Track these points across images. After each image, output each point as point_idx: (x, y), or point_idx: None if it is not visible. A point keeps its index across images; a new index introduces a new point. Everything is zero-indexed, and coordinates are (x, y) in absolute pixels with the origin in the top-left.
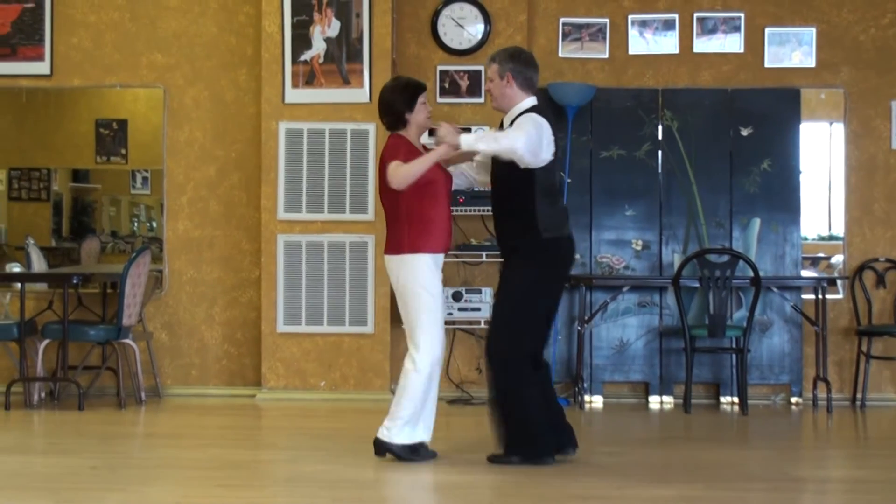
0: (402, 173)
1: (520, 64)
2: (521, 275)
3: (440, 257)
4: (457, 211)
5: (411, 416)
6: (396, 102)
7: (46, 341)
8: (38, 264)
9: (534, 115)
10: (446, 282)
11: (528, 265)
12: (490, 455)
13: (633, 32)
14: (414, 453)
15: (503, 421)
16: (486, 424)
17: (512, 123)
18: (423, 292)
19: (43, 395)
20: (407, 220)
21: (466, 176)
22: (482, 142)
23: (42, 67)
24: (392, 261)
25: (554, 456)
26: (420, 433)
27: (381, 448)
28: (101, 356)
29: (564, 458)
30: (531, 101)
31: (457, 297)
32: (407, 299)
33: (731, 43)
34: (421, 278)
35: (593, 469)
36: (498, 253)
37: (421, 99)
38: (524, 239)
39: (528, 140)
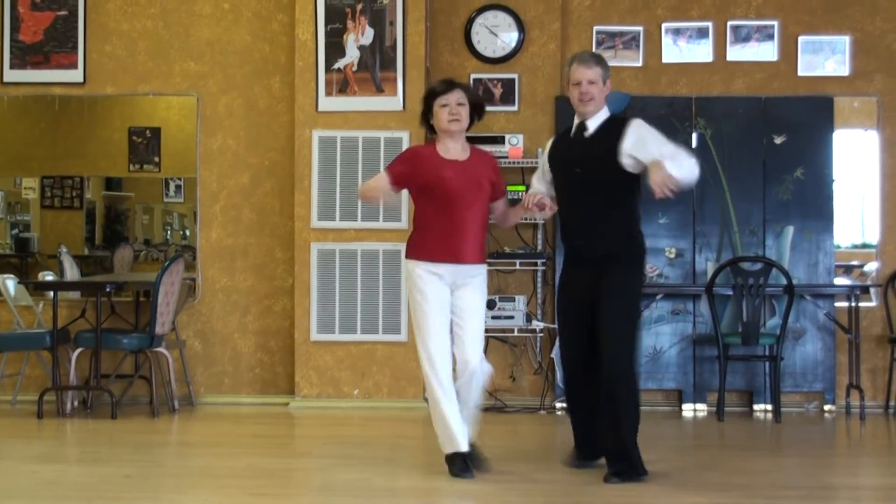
0: (364, 192)
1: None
2: (627, 283)
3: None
4: None
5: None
6: (421, 111)
7: (79, 350)
8: (71, 273)
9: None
10: None
11: (634, 271)
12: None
13: (666, 40)
14: (450, 464)
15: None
16: (521, 433)
17: (607, 128)
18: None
19: (76, 403)
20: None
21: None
22: (674, 171)
23: (75, 75)
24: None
25: None
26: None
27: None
28: (134, 365)
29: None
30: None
31: (490, 305)
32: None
33: (765, 51)
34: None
35: None
36: (532, 261)
37: (440, 101)
38: (626, 245)
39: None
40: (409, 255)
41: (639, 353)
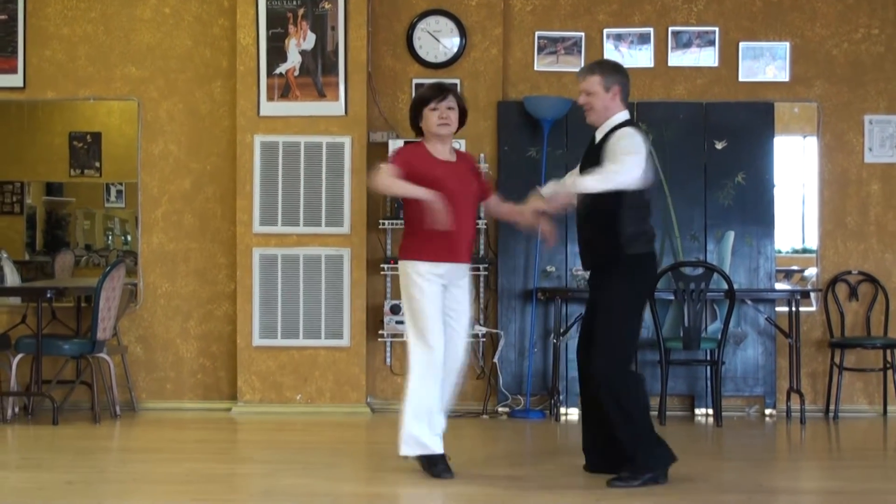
0: (381, 182)
1: (624, 77)
2: (612, 291)
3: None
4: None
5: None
6: (410, 116)
7: (20, 356)
8: (12, 278)
9: (633, 133)
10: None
11: (616, 281)
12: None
13: (608, 46)
14: (431, 466)
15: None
16: (463, 438)
17: (607, 136)
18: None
19: (17, 409)
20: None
21: None
22: (589, 181)
23: (15, 80)
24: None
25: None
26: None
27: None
28: (75, 370)
29: None
30: (625, 114)
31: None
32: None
33: (706, 57)
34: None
35: (570, 481)
36: (474, 266)
37: (431, 105)
38: (609, 255)
39: (638, 167)
40: (408, 256)
41: (628, 357)
